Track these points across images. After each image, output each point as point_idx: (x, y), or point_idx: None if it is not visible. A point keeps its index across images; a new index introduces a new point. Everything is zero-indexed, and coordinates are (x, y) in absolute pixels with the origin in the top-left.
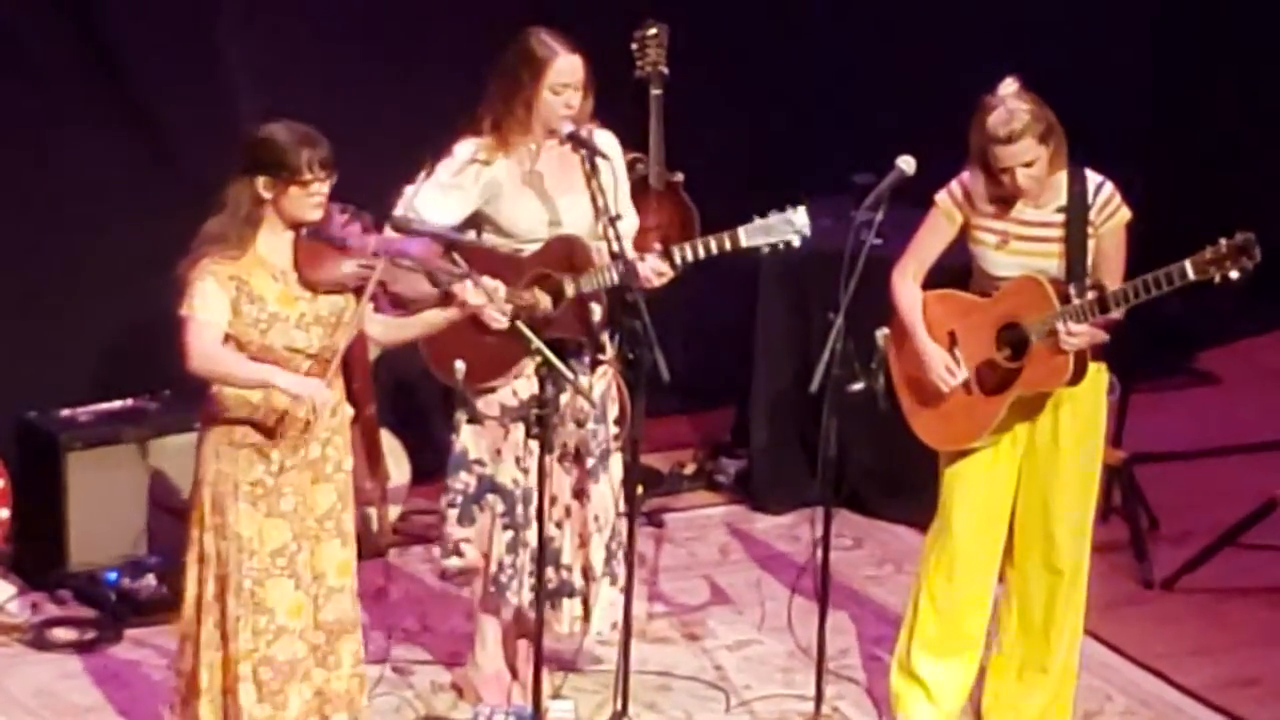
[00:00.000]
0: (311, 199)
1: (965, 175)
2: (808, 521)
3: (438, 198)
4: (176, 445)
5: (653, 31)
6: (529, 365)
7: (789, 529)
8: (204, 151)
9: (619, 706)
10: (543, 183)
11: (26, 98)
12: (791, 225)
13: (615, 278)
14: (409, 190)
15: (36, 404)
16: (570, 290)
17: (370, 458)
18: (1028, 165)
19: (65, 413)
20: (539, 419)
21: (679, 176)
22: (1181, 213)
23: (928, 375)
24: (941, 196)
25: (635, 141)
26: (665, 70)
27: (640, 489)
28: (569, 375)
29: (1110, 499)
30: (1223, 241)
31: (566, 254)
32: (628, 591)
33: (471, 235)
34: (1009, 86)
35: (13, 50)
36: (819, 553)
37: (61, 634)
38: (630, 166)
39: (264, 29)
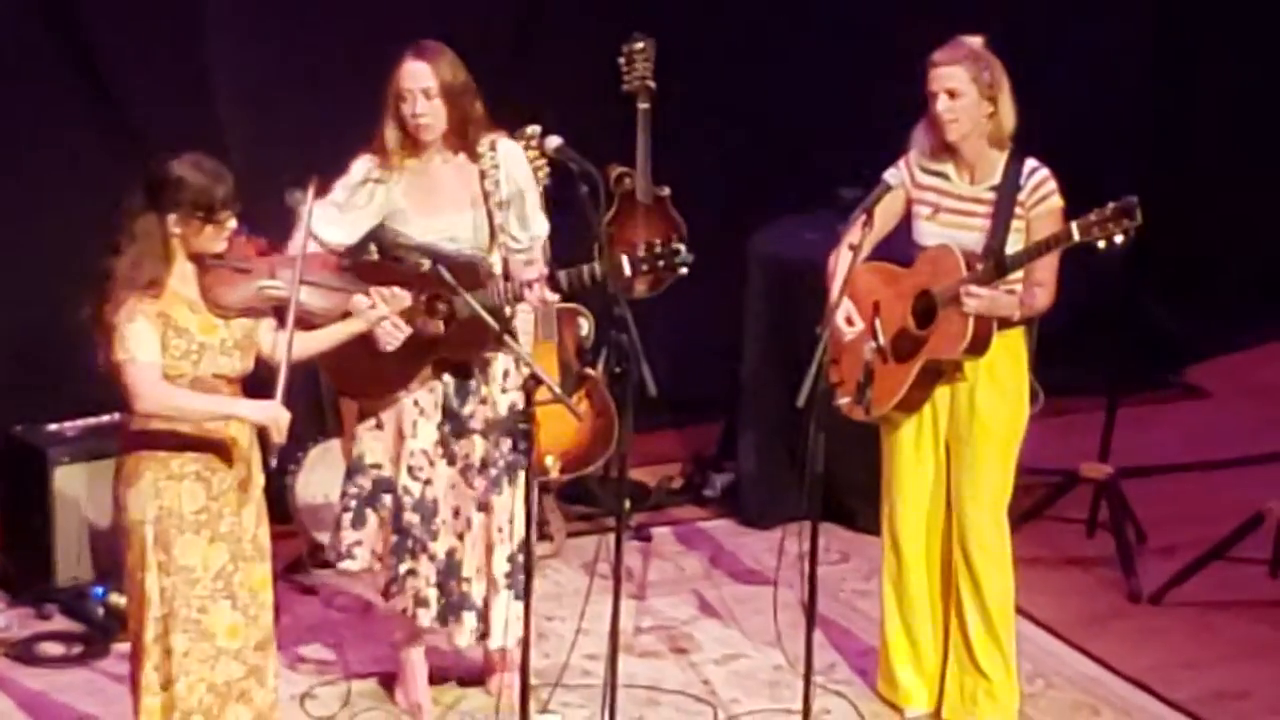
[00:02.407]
0: (222, 234)
1: (914, 135)
2: (795, 535)
3: (335, 217)
4: None
5: (640, 46)
6: (428, 374)
7: (776, 543)
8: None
9: None
10: (436, 197)
11: (11, 110)
12: (677, 256)
13: (502, 298)
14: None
15: (23, 418)
16: (461, 309)
17: None
18: (951, 94)
19: (52, 427)
20: (524, 433)
21: (666, 191)
22: (1172, 228)
23: (832, 328)
24: (888, 171)
25: (623, 155)
26: (652, 84)
27: (627, 504)
28: (555, 389)
29: (1098, 513)
30: (1109, 205)
31: (465, 273)
32: (615, 605)
33: (374, 253)
34: (974, 38)
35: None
36: (806, 566)
37: (48, 648)
38: (618, 181)
39: (247, 37)
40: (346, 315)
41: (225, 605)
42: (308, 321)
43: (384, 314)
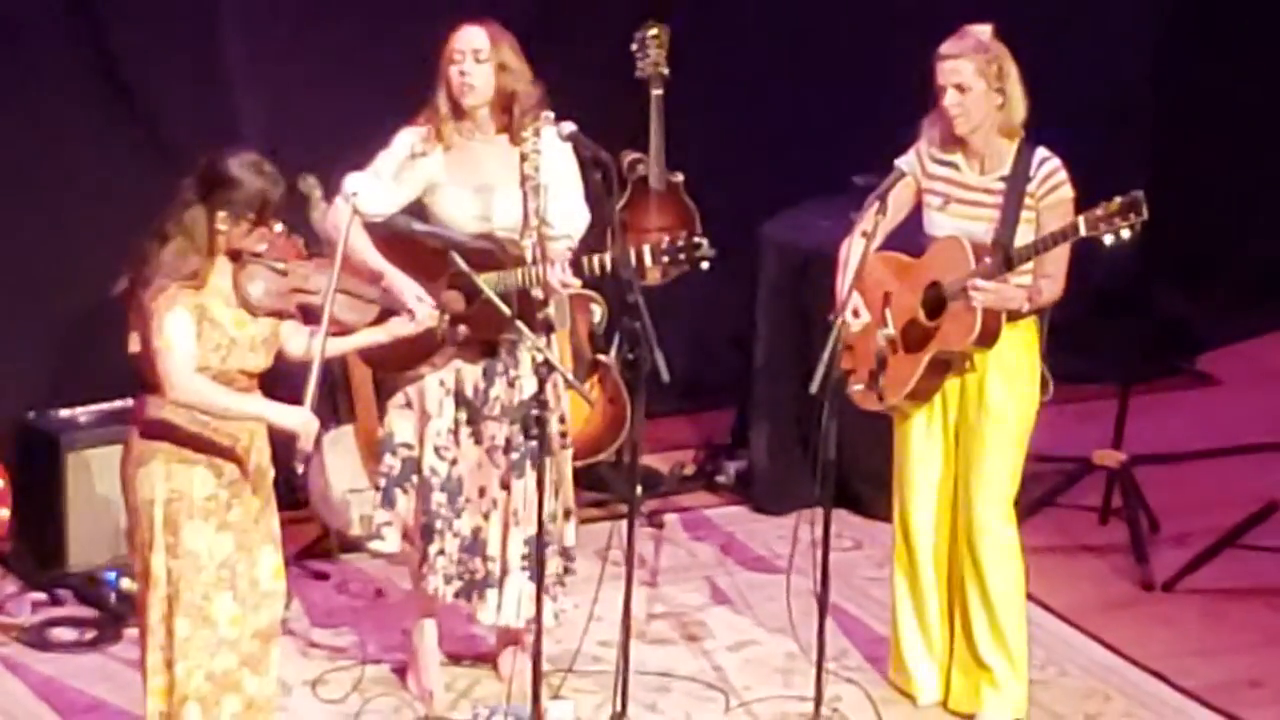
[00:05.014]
0: (267, 237)
1: (925, 125)
2: (807, 522)
3: (374, 186)
4: None
5: (653, 32)
6: (453, 352)
7: (789, 530)
8: (203, 154)
9: (618, 707)
10: (474, 176)
11: (27, 98)
12: (699, 250)
13: (525, 281)
14: (350, 180)
15: (36, 404)
16: (483, 290)
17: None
18: (959, 89)
19: (64, 413)
20: (537, 420)
21: (679, 177)
22: (1184, 215)
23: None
24: (901, 158)
25: (636, 142)
26: (666, 71)
27: (640, 490)
28: (567, 375)
29: (1110, 500)
30: (1116, 199)
31: (492, 252)
32: (627, 592)
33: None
34: (982, 27)
35: (16, 52)
36: (819, 554)
37: (61, 634)
38: (631, 167)
39: (264, 28)
40: (376, 322)
41: (228, 595)
42: (336, 328)
43: (418, 328)
